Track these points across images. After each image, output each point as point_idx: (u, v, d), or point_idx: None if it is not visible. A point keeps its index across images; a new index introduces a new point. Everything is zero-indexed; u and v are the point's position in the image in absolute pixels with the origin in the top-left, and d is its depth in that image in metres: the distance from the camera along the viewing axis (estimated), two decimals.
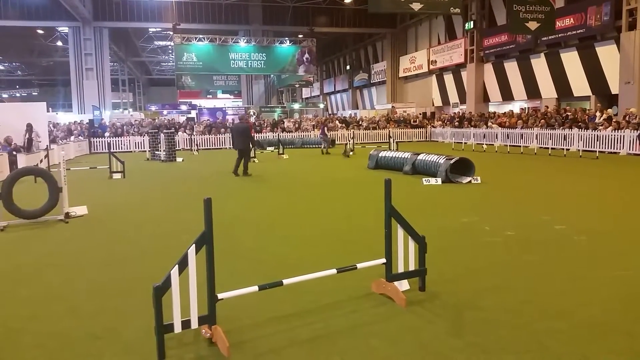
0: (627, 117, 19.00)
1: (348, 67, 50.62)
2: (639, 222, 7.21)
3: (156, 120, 32.80)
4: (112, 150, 15.20)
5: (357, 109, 45.85)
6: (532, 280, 4.76)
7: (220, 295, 3.55)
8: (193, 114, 42.52)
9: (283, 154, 20.65)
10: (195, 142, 25.47)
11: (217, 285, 3.52)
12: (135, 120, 32.02)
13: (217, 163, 18.71)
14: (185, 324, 3.44)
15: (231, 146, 14.16)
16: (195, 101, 50.57)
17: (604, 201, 9.02)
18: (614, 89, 22.31)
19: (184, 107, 49.38)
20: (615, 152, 18.15)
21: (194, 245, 3.38)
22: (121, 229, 7.47)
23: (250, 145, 14.13)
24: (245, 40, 35.97)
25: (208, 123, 31.18)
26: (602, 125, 19.74)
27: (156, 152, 20.29)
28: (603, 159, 16.34)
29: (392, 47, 41.71)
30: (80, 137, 25.31)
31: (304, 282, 4.14)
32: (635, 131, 17.71)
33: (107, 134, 26.89)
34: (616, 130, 18.62)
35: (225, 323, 3.68)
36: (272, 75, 42.87)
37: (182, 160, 19.46)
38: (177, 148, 21.87)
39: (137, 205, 9.58)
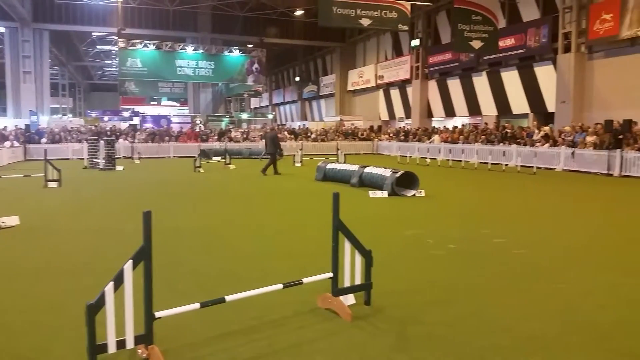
0: (562, 135, 19.94)
1: (297, 79, 50.74)
2: (576, 235, 7.53)
3: (97, 127, 31.64)
4: (48, 157, 14.42)
5: (306, 120, 45.97)
6: (475, 293, 4.83)
7: (157, 314, 3.37)
8: (136, 121, 41.29)
9: (230, 164, 20.36)
10: (137, 150, 24.69)
11: (157, 303, 3.35)
12: (74, 127, 30.74)
13: (159, 172, 18.22)
14: (120, 344, 3.24)
15: (264, 150, 18.61)
16: (138, 108, 49.22)
17: (542, 215, 9.37)
18: (551, 107, 23.43)
19: (126, 114, 47.85)
20: (551, 168, 18.96)
21: (131, 260, 3.21)
22: (55, 240, 7.07)
23: (279, 150, 17.22)
24: (192, 48, 35.40)
25: (151, 131, 30.37)
26: (539, 142, 20.63)
27: (95, 160, 19.51)
28: (540, 174, 17.04)
29: (341, 60, 42.18)
30: (15, 143, 24.00)
31: (249, 297, 4.02)
32: (570, 148, 18.59)
33: (43, 140, 25.63)
34: (552, 147, 19.51)
35: (164, 342, 3.51)
36: (220, 84, 42.38)
37: (123, 169, 18.81)
38: (118, 156, 21.12)
39: (73, 216, 9.13)
